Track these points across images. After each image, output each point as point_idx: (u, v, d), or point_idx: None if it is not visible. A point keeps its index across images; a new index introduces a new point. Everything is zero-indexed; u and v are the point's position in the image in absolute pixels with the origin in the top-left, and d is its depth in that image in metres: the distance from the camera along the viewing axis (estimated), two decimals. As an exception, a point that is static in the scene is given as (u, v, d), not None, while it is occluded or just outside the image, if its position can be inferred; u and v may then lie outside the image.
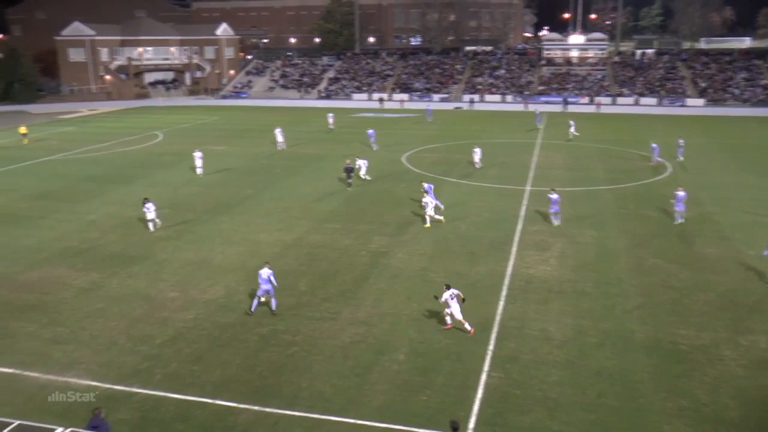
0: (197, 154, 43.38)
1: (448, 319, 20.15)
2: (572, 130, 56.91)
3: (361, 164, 39.65)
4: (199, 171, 42.85)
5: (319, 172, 42.73)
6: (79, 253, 27.64)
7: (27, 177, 43.60)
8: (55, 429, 11.93)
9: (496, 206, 34.00)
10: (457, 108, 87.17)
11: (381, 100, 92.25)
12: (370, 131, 53.91)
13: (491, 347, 18.81)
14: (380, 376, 17.34)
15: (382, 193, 37.16)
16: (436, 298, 20.40)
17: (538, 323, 20.31)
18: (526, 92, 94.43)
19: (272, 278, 21.07)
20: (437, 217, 30.88)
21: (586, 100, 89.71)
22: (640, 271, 24.69)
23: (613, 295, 22.47)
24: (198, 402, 16.15)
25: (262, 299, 21.51)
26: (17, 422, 12.20)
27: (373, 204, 34.75)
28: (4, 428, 11.94)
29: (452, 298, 19.89)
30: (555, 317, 20.74)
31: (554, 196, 30.35)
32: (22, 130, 60.52)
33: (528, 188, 37.74)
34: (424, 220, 30.64)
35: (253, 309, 21.28)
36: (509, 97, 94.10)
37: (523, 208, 33.38)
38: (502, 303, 21.87)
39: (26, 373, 17.86)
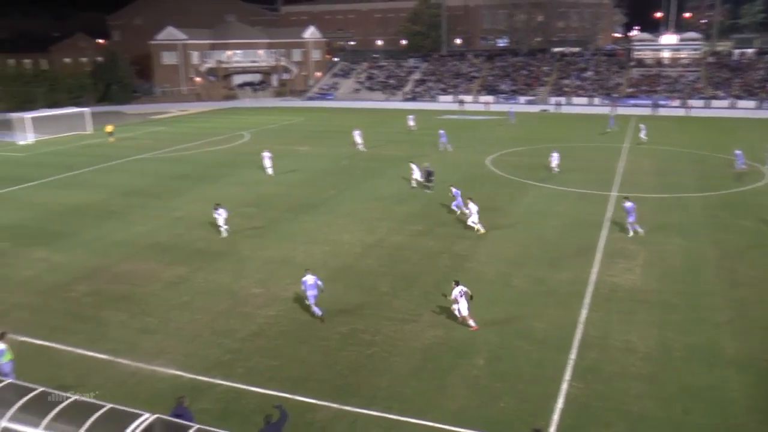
0: (266, 155, 44.38)
1: (457, 313, 20.51)
2: (642, 134, 55.78)
3: (414, 168, 39.34)
4: (269, 171, 43.80)
5: (400, 174, 42.87)
6: (167, 248, 28.78)
7: (121, 174, 45.74)
8: (143, 414, 12.47)
9: (580, 211, 33.26)
10: (543, 110, 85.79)
11: (461, 101, 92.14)
12: (442, 132, 54.02)
13: (573, 356, 18.42)
14: (459, 380, 17.28)
15: (465, 195, 36.93)
16: (445, 296, 20.99)
17: (621, 334, 19.75)
18: (614, 94, 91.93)
19: (319, 282, 21.15)
20: (476, 225, 30.14)
21: (677, 102, 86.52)
22: (733, 284, 23.60)
23: (702, 308, 21.58)
24: (278, 397, 16.54)
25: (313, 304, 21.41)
26: (109, 406, 12.83)
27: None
28: (97, 411, 12.59)
29: (461, 295, 20.28)
30: (639, 328, 20.11)
31: (628, 204, 29.28)
32: (109, 129, 64.09)
33: (613, 194, 36.73)
34: (467, 227, 30.27)
35: (320, 314, 21.20)
36: (596, 100, 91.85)
37: (608, 214, 32.52)
38: (584, 311, 21.38)
39: (118, 359, 18.76)
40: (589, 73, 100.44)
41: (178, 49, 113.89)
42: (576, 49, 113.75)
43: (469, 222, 30.11)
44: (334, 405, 16.22)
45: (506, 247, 28.00)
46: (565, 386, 16.88)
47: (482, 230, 29.92)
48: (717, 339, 19.38)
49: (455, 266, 25.71)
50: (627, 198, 30.06)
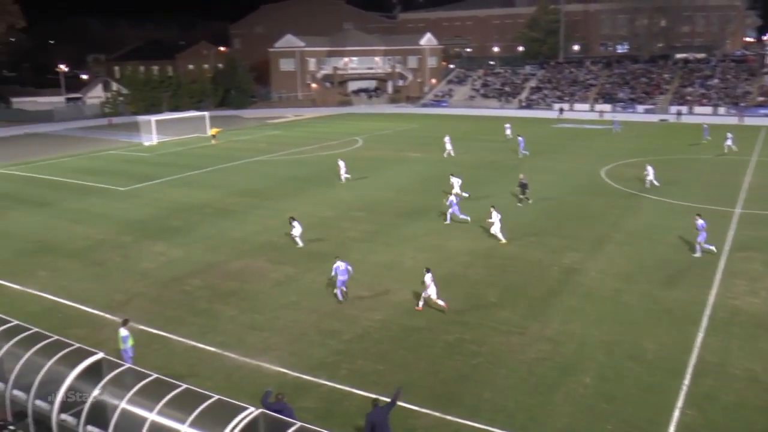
0: (341, 163, 44.94)
1: (421, 302, 22.24)
2: (728, 143, 53.23)
3: (454, 182, 38.07)
4: (344, 177, 44.20)
5: (510, 184, 42.04)
6: (277, 248, 29.66)
7: (237, 175, 47.67)
8: (248, 408, 12.85)
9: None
10: (662, 120, 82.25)
11: (561, 110, 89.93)
12: (521, 138, 53.60)
13: (686, 382, 17.42)
14: (564, 398, 16.76)
15: (579, 207, 35.99)
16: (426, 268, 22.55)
17: (742, 361, 18.49)
18: (742, 104, 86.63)
19: (349, 267, 23.23)
20: (498, 234, 29.66)
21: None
22: None
23: (839, 337, 19.89)
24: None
25: (344, 289, 23.38)
26: (217, 397, 13.33)
27: (568, 218, 33.74)
28: (206, 401, 13.11)
29: (432, 280, 21.90)
30: (764, 357, 18.73)
31: (700, 221, 27.14)
32: (213, 132, 67.59)
33: (738, 210, 34.62)
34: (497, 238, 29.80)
35: (341, 298, 23.22)
36: (722, 110, 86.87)
37: (731, 232, 30.65)
38: (701, 335, 20.18)
39: (226, 353, 19.48)
40: (714, 81, 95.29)
41: (295, 56, 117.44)
42: (701, 56, 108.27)
43: (492, 231, 29.76)
44: (437, 413, 16.11)
45: (619, 262, 26.96)
46: (677, 414, 15.98)
47: (503, 240, 29.56)
48: None
49: (565, 279, 25.02)
50: (699, 215, 27.67)
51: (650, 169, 40.87)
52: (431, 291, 21.90)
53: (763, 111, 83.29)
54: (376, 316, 22.01)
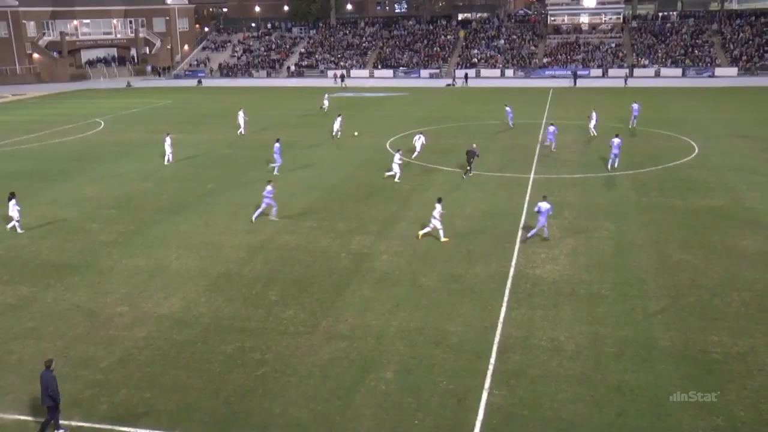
0: (167, 140, 44.03)
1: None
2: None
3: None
4: (167, 159, 43.89)
5: (292, 163, 42.44)
6: (3, 264, 27.34)
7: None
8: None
9: (497, 197, 34.09)
10: (449, 85, 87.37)
11: (342, 77, 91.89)
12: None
13: (492, 361, 18.82)
14: (365, 399, 17.30)
15: (364, 185, 37.18)
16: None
17: (546, 332, 20.37)
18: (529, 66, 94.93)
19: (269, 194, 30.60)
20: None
21: (599, 72, 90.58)
22: (665, 269, 24.83)
23: (633, 297, 22.57)
24: (151, 434, 16.08)
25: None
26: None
27: (353, 198, 34.72)
28: None
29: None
30: (566, 325, 20.80)
31: (544, 205, 27.36)
32: None
33: (532, 176, 37.90)
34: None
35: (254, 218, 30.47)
36: (509, 71, 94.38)
37: (527, 197, 33.48)
38: (504, 310, 21.89)
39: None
40: (500, 42, 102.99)
41: (7, 19, 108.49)
42: (484, 15, 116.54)
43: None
44: (221, 438, 15.92)
45: (412, 242, 28.30)
46: (485, 395, 17.20)
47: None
48: (650, 331, 20.26)
49: (354, 267, 25.71)
50: (545, 197, 28.20)
51: (418, 138, 43.31)
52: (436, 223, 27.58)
53: (548, 72, 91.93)
54: (138, 333, 21.13)
